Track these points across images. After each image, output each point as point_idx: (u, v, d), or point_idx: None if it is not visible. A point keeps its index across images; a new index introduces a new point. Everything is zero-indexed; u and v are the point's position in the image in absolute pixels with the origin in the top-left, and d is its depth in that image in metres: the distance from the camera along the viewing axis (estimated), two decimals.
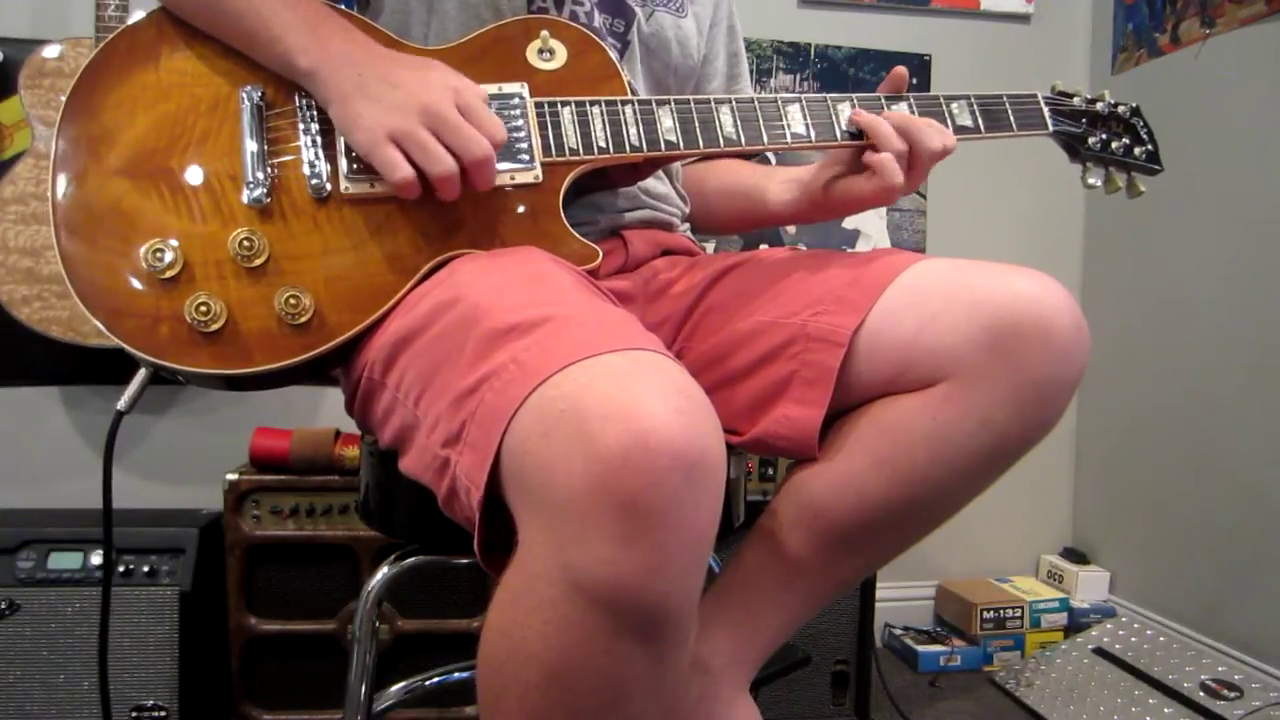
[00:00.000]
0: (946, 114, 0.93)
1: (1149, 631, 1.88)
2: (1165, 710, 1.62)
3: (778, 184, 1.01)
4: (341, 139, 0.79)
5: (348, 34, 0.80)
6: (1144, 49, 1.99)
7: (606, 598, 0.52)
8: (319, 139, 0.80)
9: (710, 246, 2.02)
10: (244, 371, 0.76)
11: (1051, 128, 0.96)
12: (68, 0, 1.75)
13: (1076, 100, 0.99)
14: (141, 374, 0.80)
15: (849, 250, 2.07)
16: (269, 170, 0.79)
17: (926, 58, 2.09)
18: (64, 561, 1.49)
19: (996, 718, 1.76)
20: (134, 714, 1.48)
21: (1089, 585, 2.08)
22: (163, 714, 1.49)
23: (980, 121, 0.94)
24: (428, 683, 1.19)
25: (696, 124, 0.87)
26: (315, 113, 0.81)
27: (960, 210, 2.12)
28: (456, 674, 1.28)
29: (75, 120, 0.79)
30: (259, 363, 0.76)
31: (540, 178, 0.82)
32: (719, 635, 0.80)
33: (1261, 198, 1.70)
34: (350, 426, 1.62)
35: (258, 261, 0.76)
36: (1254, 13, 1.70)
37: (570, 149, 0.84)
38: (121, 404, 0.82)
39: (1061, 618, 2.02)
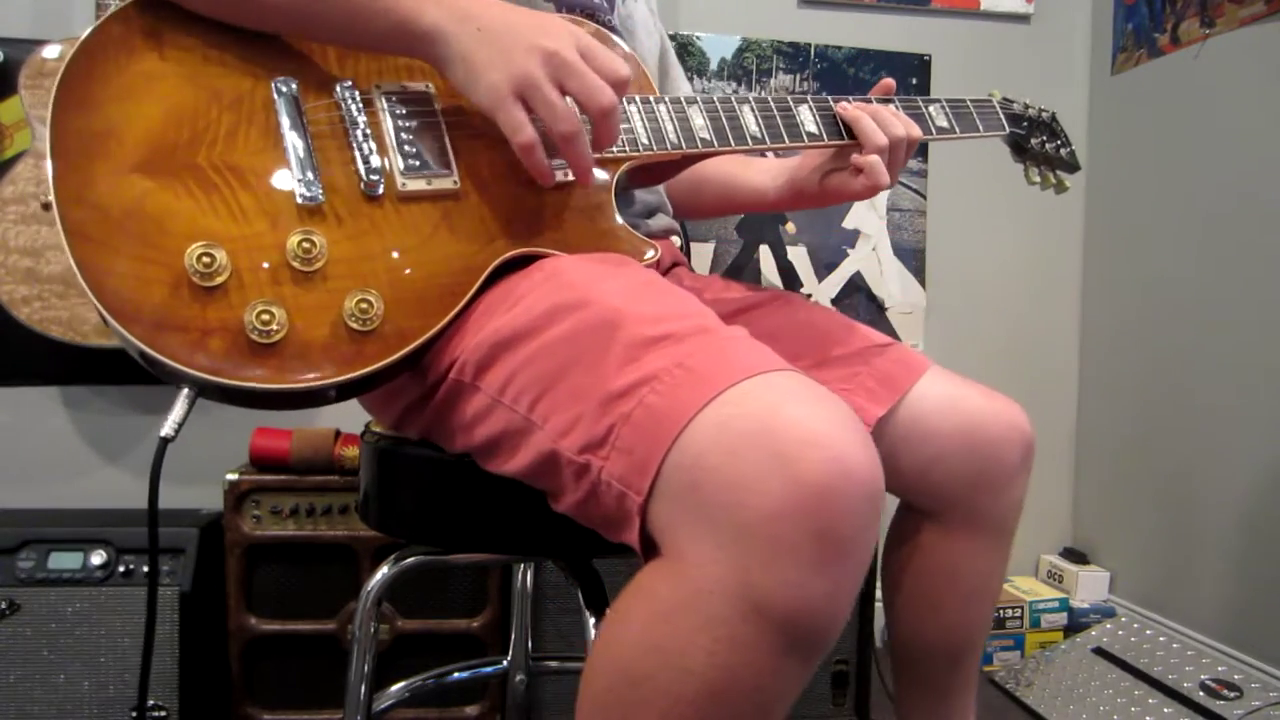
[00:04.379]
0: (927, 115, 1.00)
1: (1149, 631, 1.88)
2: (1165, 710, 1.62)
3: (758, 172, 1.07)
4: (392, 132, 0.77)
5: None
6: (1144, 49, 1.99)
7: (789, 620, 0.53)
8: (368, 132, 0.76)
9: (710, 247, 2.02)
10: (312, 385, 0.68)
11: (1008, 129, 1.06)
12: (68, 0, 1.75)
13: (1017, 105, 1.09)
14: (184, 396, 0.70)
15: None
16: (317, 167, 0.73)
17: (926, 58, 2.09)
18: (64, 561, 1.49)
19: (996, 718, 1.76)
20: (134, 714, 1.48)
21: (1089, 585, 2.08)
22: (163, 714, 1.49)
23: (954, 123, 1.02)
24: (428, 683, 1.19)
25: (725, 122, 0.88)
26: (361, 105, 0.77)
27: (960, 210, 2.12)
28: (456, 674, 1.28)
29: (71, 112, 0.70)
30: (330, 375, 0.69)
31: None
32: None
33: (1261, 198, 1.70)
34: (350, 426, 1.63)
35: (317, 265, 0.70)
36: (1254, 13, 1.70)
37: (616, 145, 0.83)
38: (166, 430, 0.71)
39: (1061, 618, 2.02)
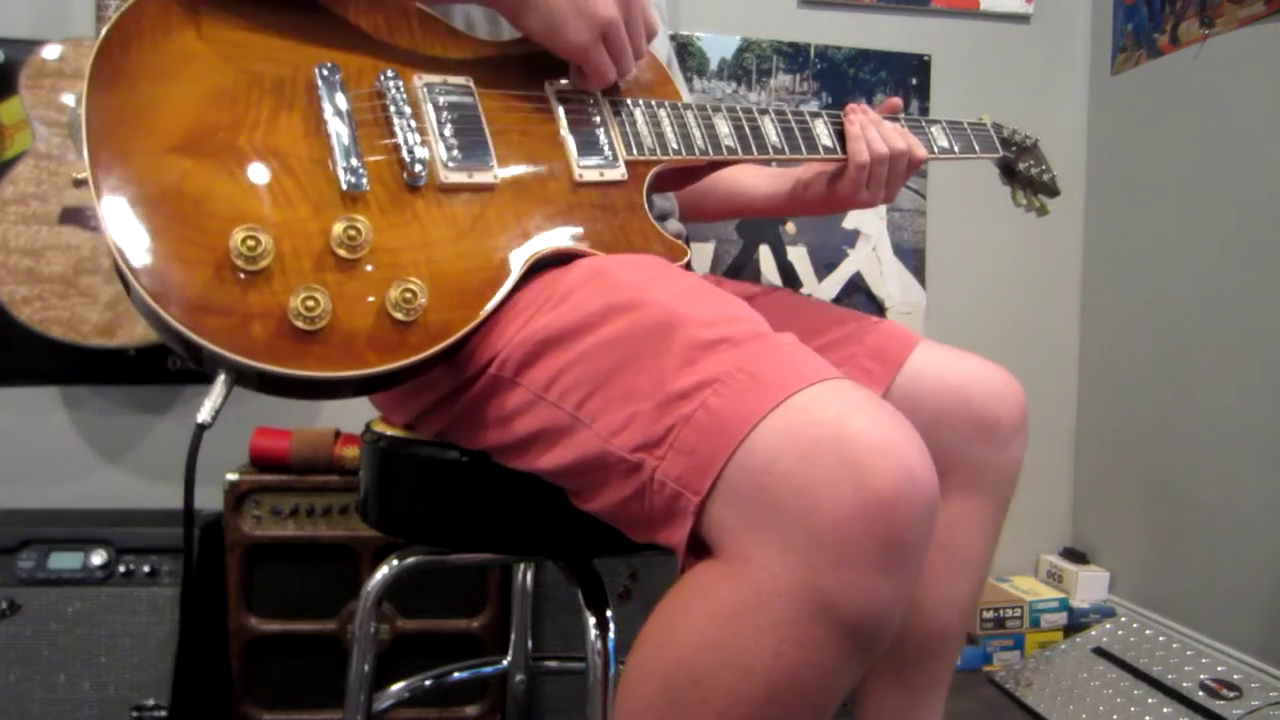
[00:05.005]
0: (930, 135, 1.05)
1: (1149, 631, 1.88)
2: (1165, 710, 1.62)
3: (760, 177, 1.11)
4: (437, 122, 0.77)
5: None
6: (1143, 49, 1.99)
7: (854, 622, 0.55)
8: (412, 122, 0.76)
9: (710, 247, 2.02)
10: (358, 374, 0.68)
11: (1001, 153, 1.12)
12: (68, 0, 1.75)
13: (1006, 130, 1.15)
14: (221, 381, 0.68)
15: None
16: (362, 154, 0.73)
17: (926, 58, 2.09)
18: (64, 561, 1.49)
19: (996, 717, 1.75)
20: (134, 714, 1.48)
21: (1089, 585, 2.08)
22: (163, 714, 1.49)
23: (954, 143, 1.07)
24: (428, 683, 1.20)
25: (748, 131, 0.93)
26: (405, 95, 0.77)
27: (960, 210, 2.12)
28: (456, 674, 1.28)
29: (106, 91, 0.69)
30: (373, 363, 0.68)
31: (625, 176, 0.84)
32: None
33: (1261, 198, 1.70)
34: (350, 426, 1.63)
35: (362, 253, 0.69)
36: (1253, 13, 1.70)
37: (648, 148, 0.86)
38: (203, 416, 0.68)
39: (1061, 617, 2.02)
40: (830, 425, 0.56)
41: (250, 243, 0.66)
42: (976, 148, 1.09)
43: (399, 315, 0.69)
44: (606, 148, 0.84)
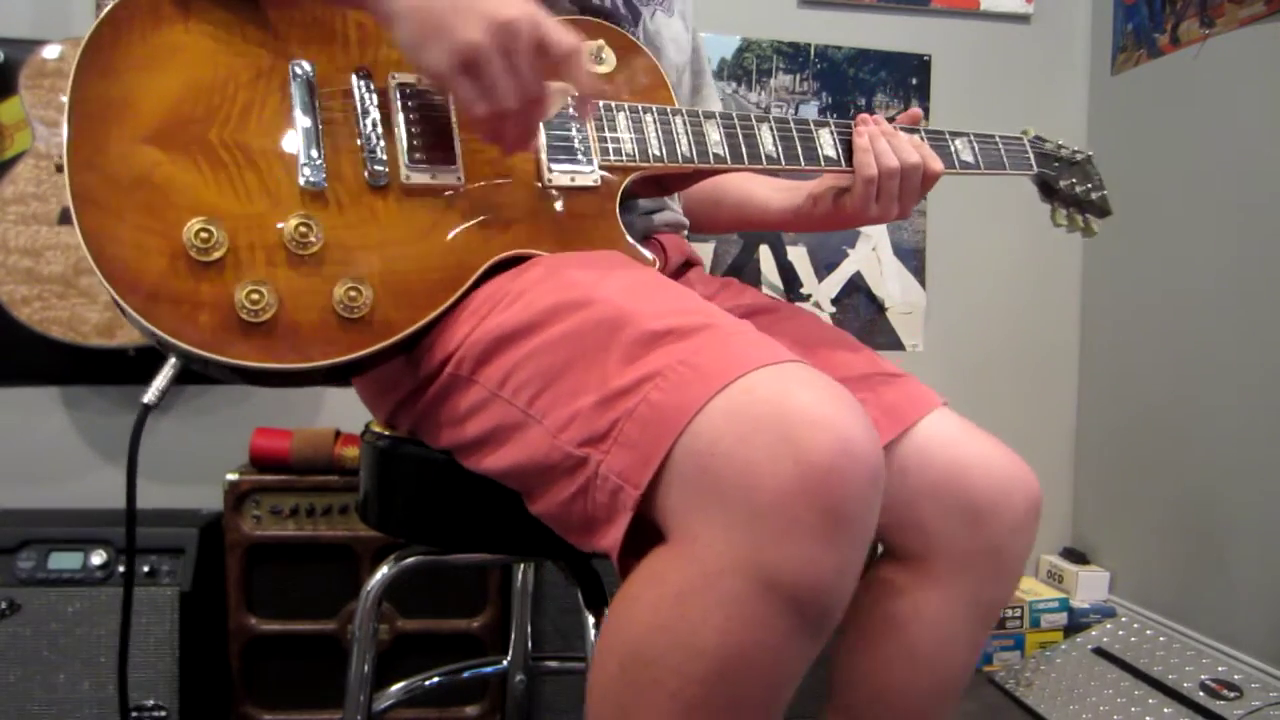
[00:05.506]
0: (952, 149, 0.97)
1: (1149, 631, 1.88)
2: (1165, 710, 1.62)
3: (773, 190, 1.05)
4: (402, 124, 0.77)
5: None
6: (1144, 49, 1.99)
7: (799, 595, 0.55)
8: (379, 124, 0.76)
9: (710, 247, 2.02)
10: (296, 367, 0.70)
11: (1036, 168, 1.04)
12: (68, 0, 1.75)
13: (1049, 145, 1.07)
14: (170, 366, 0.74)
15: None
16: (324, 152, 0.74)
17: (926, 58, 2.09)
18: (64, 561, 1.49)
19: (996, 717, 1.76)
20: (134, 714, 1.48)
21: (1089, 585, 2.08)
22: (163, 714, 1.49)
23: (980, 159, 0.99)
24: (428, 683, 1.19)
25: (741, 140, 0.88)
26: (374, 95, 0.77)
27: (960, 210, 2.12)
28: (456, 674, 1.28)
29: (92, 79, 0.71)
30: (314, 358, 0.71)
31: (599, 182, 0.82)
32: None
33: (1261, 198, 1.70)
34: (350, 426, 1.63)
35: (312, 250, 0.71)
36: (1254, 13, 1.70)
37: (627, 154, 0.83)
38: (148, 397, 0.76)
39: (1061, 617, 2.02)
40: (771, 403, 0.57)
41: (203, 235, 0.68)
42: (1006, 164, 1.01)
43: (344, 313, 0.71)
44: (581, 152, 0.82)
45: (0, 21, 1.73)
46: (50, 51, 1.58)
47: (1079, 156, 1.09)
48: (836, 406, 0.57)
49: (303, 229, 0.71)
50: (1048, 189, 1.08)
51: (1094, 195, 1.11)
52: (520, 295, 0.72)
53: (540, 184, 0.80)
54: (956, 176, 0.99)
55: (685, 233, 1.08)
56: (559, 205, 0.81)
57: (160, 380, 0.74)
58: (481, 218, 0.77)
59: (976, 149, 1.00)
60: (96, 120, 0.70)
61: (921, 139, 0.94)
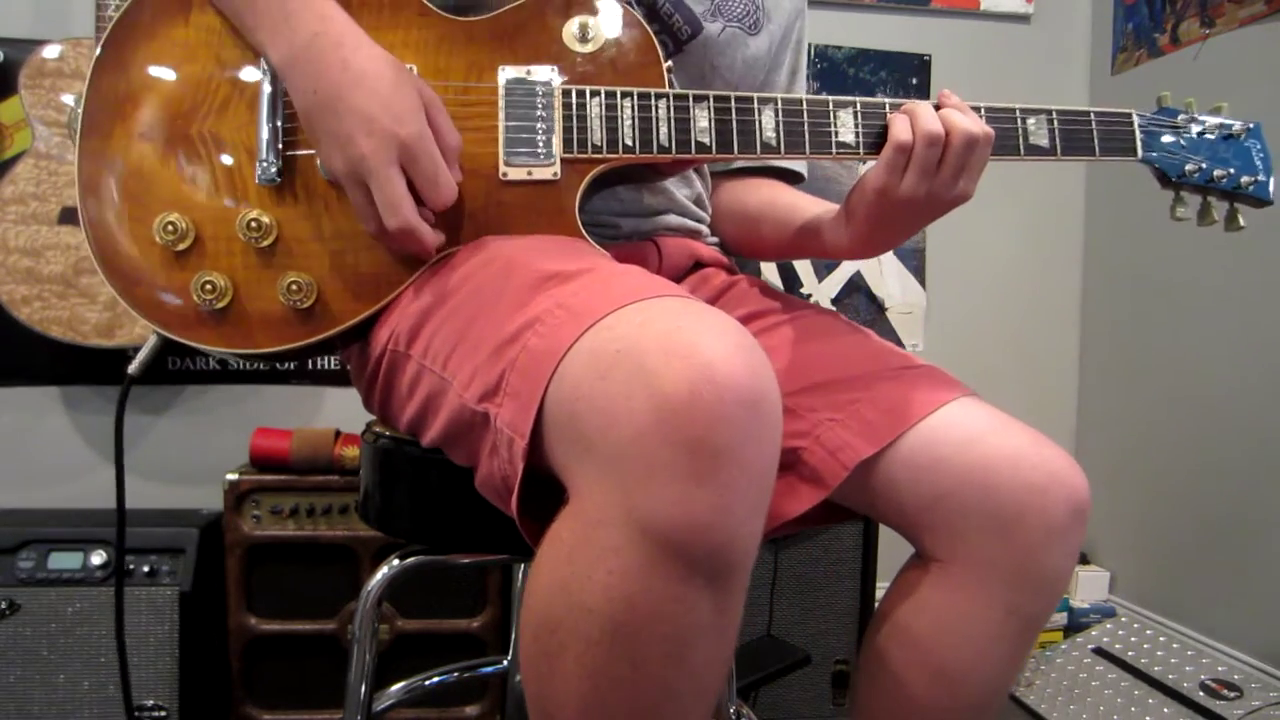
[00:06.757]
0: (1020, 130, 0.83)
1: (1149, 631, 1.88)
2: (1165, 710, 1.62)
3: (826, 210, 0.91)
4: None
5: (322, 21, 0.72)
6: (1144, 49, 1.99)
7: (677, 539, 0.50)
8: None
9: None
10: (247, 352, 0.77)
11: (1141, 155, 0.85)
12: (68, 0, 1.75)
13: (1181, 118, 0.87)
14: (152, 339, 0.80)
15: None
16: (284, 149, 0.76)
17: (926, 58, 2.09)
18: (64, 561, 1.49)
19: (996, 717, 1.75)
20: (134, 714, 1.48)
21: (1089, 585, 2.08)
22: (163, 714, 1.49)
23: (1058, 143, 0.82)
24: (428, 683, 1.19)
25: (734, 125, 0.79)
26: None
27: (960, 210, 2.11)
28: (456, 674, 1.28)
29: (107, 74, 0.77)
30: (261, 345, 0.77)
31: (559, 175, 0.77)
32: None
33: None
34: (350, 426, 1.63)
35: (266, 243, 0.76)
36: (1254, 13, 1.70)
37: (594, 145, 0.78)
38: (132, 368, 0.82)
39: (1061, 618, 2.02)
40: (628, 339, 0.53)
41: (169, 227, 0.75)
42: (1097, 149, 0.83)
43: (290, 303, 0.76)
44: (542, 144, 0.78)
45: (0, 21, 1.73)
46: (50, 51, 1.58)
47: (1237, 127, 0.88)
48: (699, 331, 0.52)
49: (254, 224, 0.75)
50: (1165, 176, 0.87)
51: (1244, 180, 0.88)
52: (452, 270, 0.74)
53: (496, 178, 0.78)
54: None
55: (710, 239, 1.01)
56: (516, 199, 0.78)
57: (143, 352, 0.81)
58: (439, 213, 0.76)
59: (1057, 131, 0.82)
60: (106, 115, 0.76)
61: (980, 112, 0.82)
